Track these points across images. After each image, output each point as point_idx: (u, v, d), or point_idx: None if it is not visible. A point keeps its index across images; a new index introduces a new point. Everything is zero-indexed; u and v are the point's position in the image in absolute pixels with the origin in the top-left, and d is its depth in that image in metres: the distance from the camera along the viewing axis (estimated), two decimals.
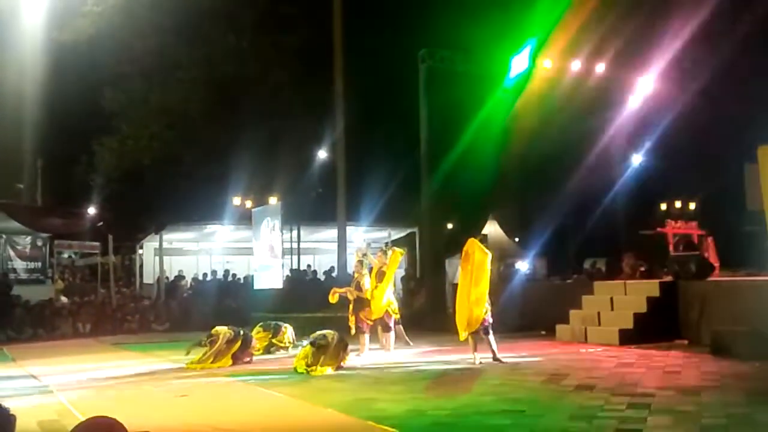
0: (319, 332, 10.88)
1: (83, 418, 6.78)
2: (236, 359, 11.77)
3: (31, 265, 21.72)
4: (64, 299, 21.09)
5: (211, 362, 11.51)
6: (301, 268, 24.37)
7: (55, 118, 26.72)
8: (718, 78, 21.05)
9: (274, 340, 13.39)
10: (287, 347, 13.27)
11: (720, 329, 11.23)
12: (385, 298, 12.81)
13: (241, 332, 12.08)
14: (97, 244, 23.80)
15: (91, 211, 27.40)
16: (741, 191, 18.83)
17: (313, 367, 10.26)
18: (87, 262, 26.08)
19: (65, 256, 25.48)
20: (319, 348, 10.52)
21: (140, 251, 25.96)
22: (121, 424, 4.15)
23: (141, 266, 25.94)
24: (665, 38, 21.23)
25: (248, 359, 12.10)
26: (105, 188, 29.33)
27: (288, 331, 13.50)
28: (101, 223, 23.72)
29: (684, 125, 21.86)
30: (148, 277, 25.60)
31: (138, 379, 10.58)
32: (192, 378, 10.38)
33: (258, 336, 13.23)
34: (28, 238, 21.67)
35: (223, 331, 11.92)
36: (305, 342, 11.09)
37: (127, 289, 24.65)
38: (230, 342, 11.81)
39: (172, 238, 25.45)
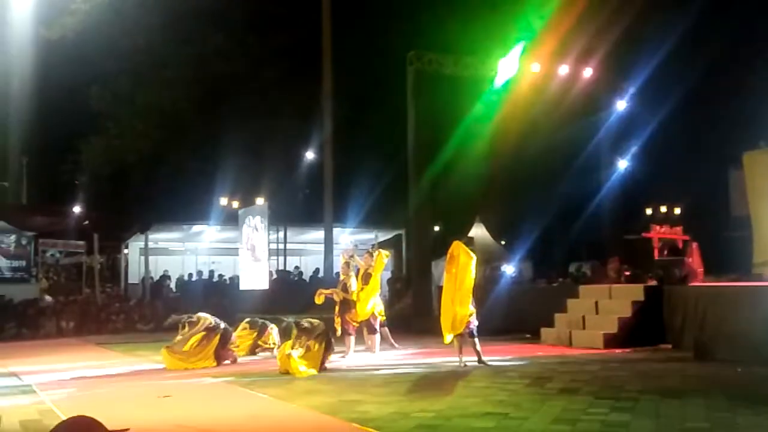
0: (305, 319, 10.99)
1: (65, 418, 6.75)
2: (219, 358, 11.75)
3: (16, 263, 21.56)
4: (48, 298, 20.97)
5: (193, 358, 11.50)
6: (288, 269, 24.34)
7: (42, 116, 26.58)
8: (705, 83, 21.19)
9: (259, 341, 13.37)
10: (272, 348, 13.23)
11: (703, 334, 11.30)
12: (372, 301, 12.80)
13: (222, 326, 12.07)
14: (82, 243, 23.66)
15: (77, 209, 27.22)
16: (726, 197, 18.96)
17: (298, 355, 10.31)
18: (72, 261, 25.88)
19: (50, 254, 25.31)
20: (303, 330, 10.64)
21: (125, 251, 25.83)
22: (101, 423, 4.14)
23: (126, 266, 25.81)
24: (652, 42, 21.35)
25: (232, 360, 12.08)
26: (91, 187, 29.15)
27: (273, 332, 13.46)
28: (87, 222, 23.57)
29: (670, 130, 21.97)
30: (134, 277, 25.49)
31: (122, 378, 10.55)
32: (175, 378, 10.35)
33: (242, 334, 13.20)
34: (13, 237, 21.52)
35: (204, 317, 11.99)
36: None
37: (111, 288, 24.50)
38: (210, 330, 11.80)
39: (158, 237, 25.37)
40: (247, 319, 13.79)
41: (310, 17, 22.76)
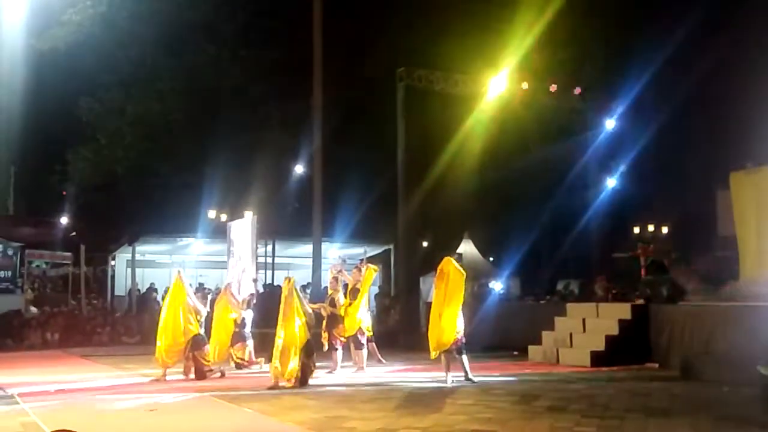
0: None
1: (49, 431, 6.70)
2: (199, 373, 11.72)
3: (1, 274, 21.40)
4: (33, 309, 20.82)
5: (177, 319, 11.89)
6: (277, 282, 24.22)
7: (30, 126, 26.52)
8: (693, 103, 21.38)
9: (232, 350, 12.97)
10: (245, 364, 12.86)
11: (690, 353, 11.33)
12: (359, 316, 12.77)
13: (200, 333, 12.08)
14: (68, 254, 23.54)
15: (64, 220, 27.15)
16: (713, 216, 19.05)
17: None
18: (58, 272, 25.77)
19: (36, 265, 25.16)
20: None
21: (112, 262, 25.68)
22: None
23: (113, 278, 25.65)
24: (640, 63, 21.53)
25: (219, 374, 12.03)
26: (78, 198, 29.08)
27: (248, 349, 12.79)
28: (74, 233, 23.48)
29: (657, 149, 22.13)
30: (120, 289, 25.31)
31: (107, 392, 10.47)
32: (161, 392, 10.29)
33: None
34: None
35: (203, 311, 12.18)
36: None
37: (98, 300, 24.35)
38: (196, 319, 12.00)
39: (145, 249, 25.20)
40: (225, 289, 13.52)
41: (302, 32, 22.82)
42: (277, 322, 10.96)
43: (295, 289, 11.03)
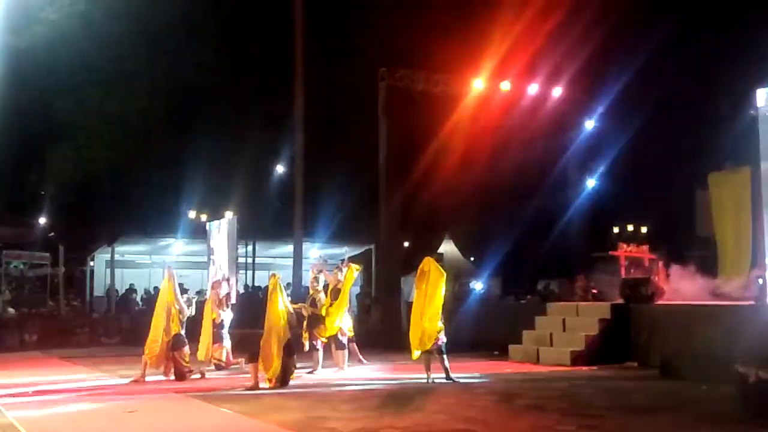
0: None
1: None
2: (178, 374, 11.65)
3: None
4: (11, 311, 20.61)
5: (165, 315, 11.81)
6: (257, 283, 24.15)
7: (8, 124, 26.16)
8: (672, 104, 21.52)
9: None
10: (235, 364, 12.76)
11: (669, 352, 11.40)
12: (340, 316, 12.74)
13: (181, 333, 11.98)
14: (47, 254, 23.34)
15: (42, 220, 26.91)
16: (692, 216, 19.22)
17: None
18: (37, 273, 25.54)
19: (14, 266, 24.93)
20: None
21: (91, 263, 25.47)
22: None
23: (92, 278, 25.44)
24: (620, 63, 21.67)
25: (199, 375, 11.95)
26: (57, 198, 28.81)
27: (224, 351, 12.49)
28: (52, 234, 23.27)
29: (637, 150, 22.25)
30: (99, 290, 25.12)
31: (86, 393, 10.38)
32: (141, 394, 10.23)
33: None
34: None
35: (185, 311, 12.08)
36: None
37: (76, 301, 24.15)
38: (178, 319, 11.90)
39: (125, 250, 25.03)
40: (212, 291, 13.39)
41: (283, 30, 22.77)
42: (260, 321, 10.93)
43: (280, 286, 10.99)
